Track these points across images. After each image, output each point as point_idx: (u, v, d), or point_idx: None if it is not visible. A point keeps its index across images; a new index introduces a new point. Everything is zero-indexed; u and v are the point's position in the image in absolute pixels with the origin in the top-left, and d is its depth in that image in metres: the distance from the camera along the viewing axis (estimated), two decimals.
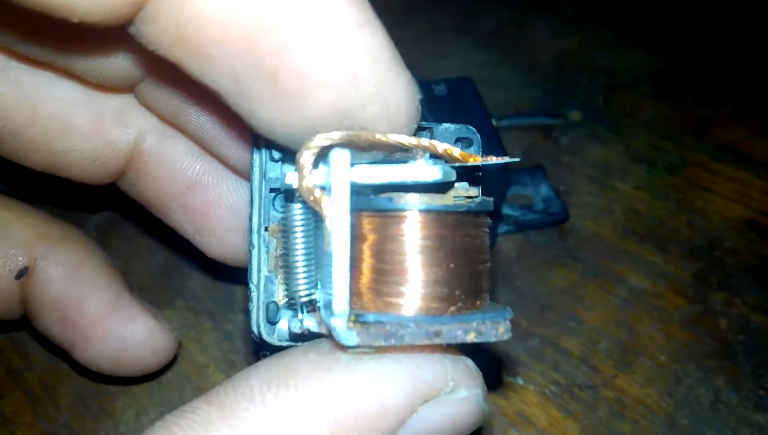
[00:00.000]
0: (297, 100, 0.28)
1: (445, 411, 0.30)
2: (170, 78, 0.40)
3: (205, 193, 0.45)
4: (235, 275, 0.58)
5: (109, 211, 0.65)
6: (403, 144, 0.29)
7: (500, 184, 0.60)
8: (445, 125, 0.34)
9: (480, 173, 0.34)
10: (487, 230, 0.32)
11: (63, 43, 0.37)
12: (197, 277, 0.59)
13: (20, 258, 0.45)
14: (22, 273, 0.45)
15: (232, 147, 0.42)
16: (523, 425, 0.49)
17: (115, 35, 0.31)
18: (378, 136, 0.29)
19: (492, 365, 0.52)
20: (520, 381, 0.52)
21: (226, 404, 0.27)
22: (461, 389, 0.30)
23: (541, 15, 0.95)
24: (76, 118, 0.42)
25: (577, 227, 0.64)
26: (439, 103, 0.60)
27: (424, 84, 0.58)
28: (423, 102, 0.31)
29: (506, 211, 0.63)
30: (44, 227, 0.47)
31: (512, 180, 0.66)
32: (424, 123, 0.33)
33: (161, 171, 0.45)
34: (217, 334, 0.56)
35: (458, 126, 0.35)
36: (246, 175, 0.43)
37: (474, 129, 0.35)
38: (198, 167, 0.45)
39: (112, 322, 0.46)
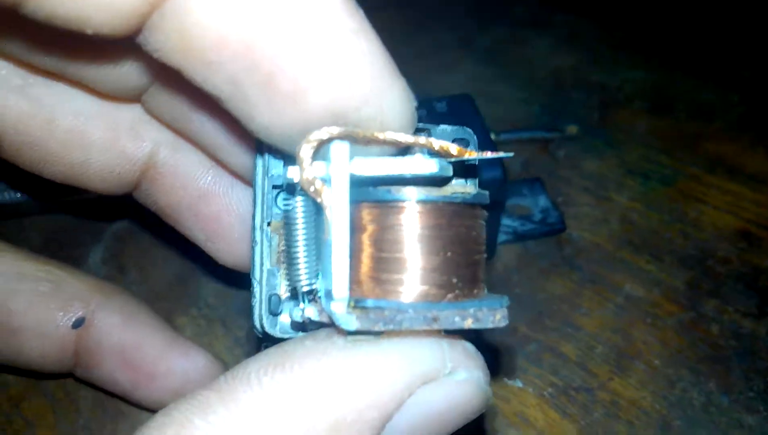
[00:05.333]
0: (293, 103, 0.29)
1: (445, 393, 0.30)
2: (175, 86, 0.41)
3: (216, 203, 0.46)
4: (247, 283, 0.61)
5: (125, 221, 0.68)
6: (400, 141, 0.31)
7: (499, 194, 0.62)
8: (443, 126, 0.36)
9: (476, 163, 0.35)
10: (484, 223, 0.33)
11: (74, 53, 0.38)
12: (210, 286, 0.62)
13: (77, 309, 0.48)
14: (79, 323, 0.48)
15: (237, 153, 0.43)
16: (522, 426, 0.51)
17: (123, 45, 0.32)
18: (376, 133, 0.30)
19: (492, 369, 0.54)
20: (519, 384, 0.54)
21: (224, 388, 0.28)
22: (461, 371, 0.30)
23: (539, 33, 0.98)
24: (93, 132, 0.43)
25: (574, 237, 0.66)
26: (440, 118, 0.63)
27: (426, 101, 0.61)
28: (420, 109, 0.33)
29: (505, 221, 0.66)
30: (95, 282, 0.50)
31: (511, 191, 0.68)
32: (421, 124, 0.34)
33: (174, 181, 0.46)
34: (228, 340, 0.58)
35: (455, 127, 0.36)
36: (248, 180, 0.44)
37: (470, 130, 0.36)
38: (209, 178, 0.46)
39: (173, 359, 0.49)
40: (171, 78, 0.40)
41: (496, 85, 0.87)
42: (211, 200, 0.47)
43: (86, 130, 0.43)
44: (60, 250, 0.65)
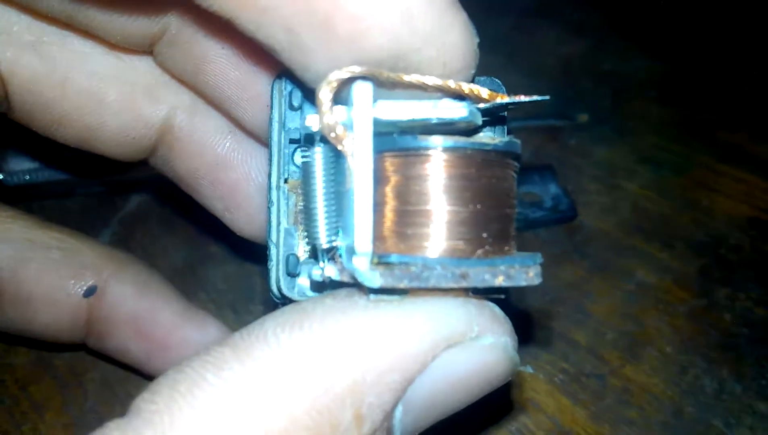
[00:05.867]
0: (352, 46, 0.27)
1: (470, 357, 0.28)
2: (189, 34, 0.40)
3: (234, 170, 0.45)
4: (256, 268, 0.61)
5: (134, 205, 0.67)
6: (428, 84, 0.28)
7: None
8: None
9: (506, 113, 0.33)
10: (515, 174, 0.31)
11: None
12: (219, 271, 0.62)
13: (89, 278, 0.47)
14: (91, 291, 0.47)
15: (249, 108, 0.41)
16: (534, 411, 0.51)
17: None
18: (402, 75, 0.27)
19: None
20: (530, 370, 0.53)
21: (240, 345, 0.27)
22: (487, 335, 0.29)
23: (548, 21, 0.97)
24: (108, 93, 0.42)
25: (584, 224, 0.66)
26: None
27: None
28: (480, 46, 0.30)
29: (516, 208, 0.65)
30: (108, 252, 0.49)
31: (522, 179, 0.68)
32: None
33: (192, 147, 0.45)
34: (238, 325, 0.58)
35: (482, 78, 0.33)
36: (263, 139, 0.43)
37: (499, 81, 0.33)
38: (228, 144, 0.45)
39: (187, 329, 0.48)
40: (188, 23, 0.39)
41: (505, 74, 0.86)
42: (229, 168, 0.45)
43: (101, 91, 0.42)
44: None
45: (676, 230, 0.65)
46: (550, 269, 0.61)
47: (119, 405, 0.52)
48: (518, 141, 0.30)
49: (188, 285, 0.61)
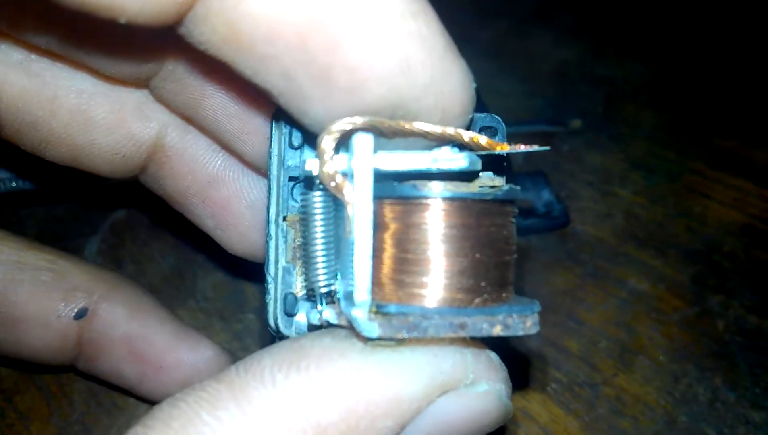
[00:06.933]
0: (350, 96, 0.27)
1: (464, 404, 0.28)
2: (188, 72, 0.39)
3: (226, 188, 0.45)
4: (245, 276, 0.60)
5: (122, 213, 0.67)
6: (428, 132, 0.28)
7: None
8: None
9: (506, 163, 0.33)
10: (514, 220, 0.31)
11: (84, 38, 0.37)
12: (208, 278, 0.61)
13: (80, 299, 0.46)
14: (82, 313, 0.46)
15: (248, 141, 0.41)
16: (526, 422, 0.50)
17: (159, 36, 0.30)
18: (402, 123, 0.28)
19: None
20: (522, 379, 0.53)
21: (236, 383, 0.27)
22: (482, 382, 0.29)
23: (542, 26, 0.97)
24: (96, 111, 0.42)
25: (577, 231, 0.66)
26: None
27: None
28: (478, 90, 0.30)
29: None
30: (99, 273, 0.49)
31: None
32: None
33: (183, 165, 0.45)
34: (227, 333, 0.57)
35: (482, 115, 0.33)
36: (262, 170, 0.43)
37: (498, 118, 0.33)
38: (219, 162, 0.45)
39: (181, 351, 0.48)
40: (187, 64, 0.39)
41: (499, 79, 0.86)
42: (220, 186, 0.45)
43: (90, 110, 0.42)
44: (56, 241, 0.64)
45: (669, 237, 0.65)
46: (542, 276, 0.61)
47: (106, 416, 0.51)
48: (518, 187, 0.31)
49: (177, 292, 0.60)
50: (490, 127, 0.34)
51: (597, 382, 0.53)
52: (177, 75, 0.40)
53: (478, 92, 0.67)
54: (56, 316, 0.46)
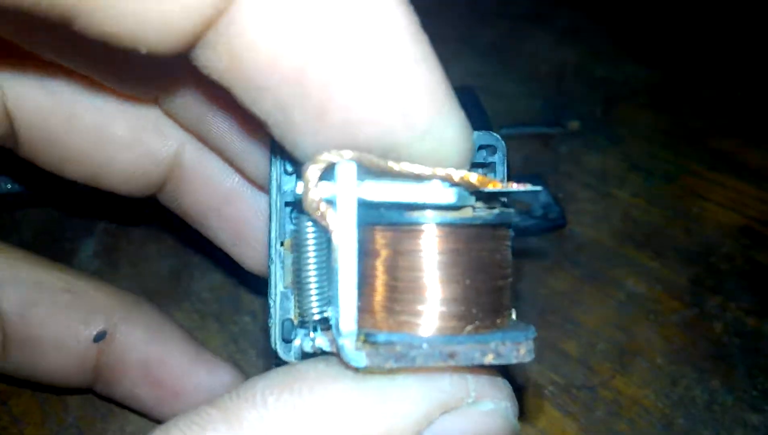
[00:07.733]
0: (342, 135, 0.27)
1: (468, 423, 0.28)
2: (194, 92, 0.40)
3: (242, 205, 0.44)
4: (241, 278, 0.60)
5: (117, 215, 0.66)
6: (416, 174, 0.28)
7: None
8: None
9: (505, 199, 0.32)
10: (509, 243, 0.30)
11: (99, 61, 0.37)
12: (204, 281, 0.61)
13: (99, 322, 0.46)
14: (101, 336, 0.45)
15: (252, 160, 0.41)
16: (523, 425, 0.50)
17: (170, 61, 0.30)
18: (390, 164, 0.27)
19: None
20: (519, 382, 0.53)
21: (229, 406, 0.27)
22: (486, 401, 0.28)
23: (541, 27, 0.97)
24: (115, 129, 0.42)
25: (575, 233, 0.65)
26: None
27: None
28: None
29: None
30: (118, 294, 0.48)
31: None
32: None
33: (200, 183, 0.45)
34: (223, 336, 0.57)
35: (481, 133, 0.32)
36: (265, 189, 0.43)
37: (498, 136, 0.33)
38: (236, 179, 0.44)
39: (198, 375, 0.47)
40: (192, 84, 0.39)
41: (498, 80, 0.86)
42: (237, 202, 0.45)
43: (108, 127, 0.41)
44: (52, 243, 0.64)
45: (667, 239, 0.64)
46: (540, 278, 0.61)
47: (100, 421, 0.51)
48: (511, 210, 0.30)
49: (172, 295, 0.60)
50: (489, 146, 0.33)
51: (594, 384, 0.52)
52: (184, 93, 0.40)
53: (477, 94, 0.67)
54: (75, 339, 0.45)
